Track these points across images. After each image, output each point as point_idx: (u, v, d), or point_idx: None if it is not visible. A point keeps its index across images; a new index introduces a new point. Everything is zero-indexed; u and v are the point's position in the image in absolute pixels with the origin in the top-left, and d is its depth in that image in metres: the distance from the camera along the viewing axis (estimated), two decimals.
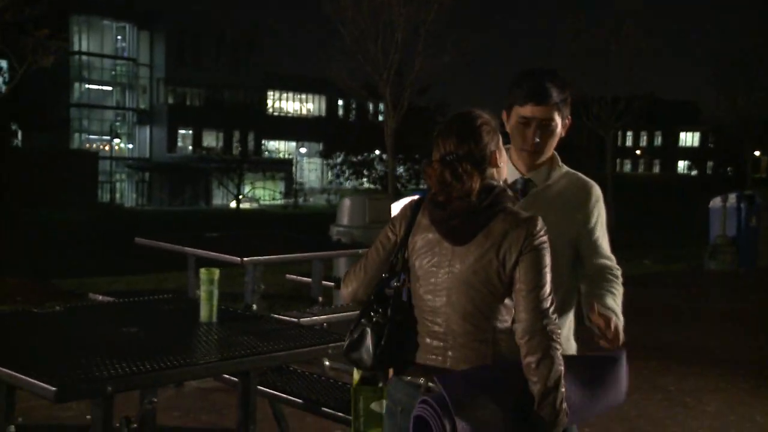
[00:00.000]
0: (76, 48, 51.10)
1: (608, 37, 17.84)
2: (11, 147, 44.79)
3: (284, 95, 60.48)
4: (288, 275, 7.07)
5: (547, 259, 2.18)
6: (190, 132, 55.94)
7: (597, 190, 2.60)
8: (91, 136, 53.60)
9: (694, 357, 7.03)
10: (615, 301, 2.47)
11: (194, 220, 32.33)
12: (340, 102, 58.41)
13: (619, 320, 2.38)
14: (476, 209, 2.18)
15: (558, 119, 2.51)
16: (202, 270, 3.30)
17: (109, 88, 54.01)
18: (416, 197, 2.36)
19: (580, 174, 2.63)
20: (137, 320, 3.31)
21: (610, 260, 2.58)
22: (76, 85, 52.08)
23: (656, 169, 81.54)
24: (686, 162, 79.18)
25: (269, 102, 59.33)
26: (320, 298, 5.92)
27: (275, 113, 59.16)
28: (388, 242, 2.34)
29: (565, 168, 2.62)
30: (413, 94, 14.73)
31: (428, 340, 2.25)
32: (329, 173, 53.06)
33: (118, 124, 54.69)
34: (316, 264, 5.92)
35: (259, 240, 6.38)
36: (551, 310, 2.14)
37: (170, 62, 53.96)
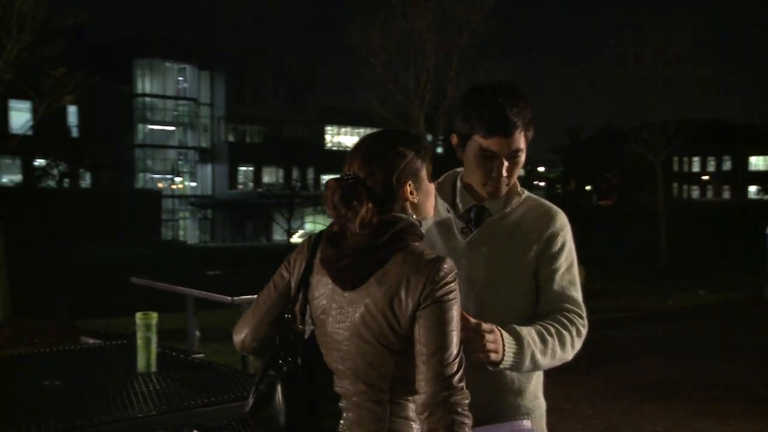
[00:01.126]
0: (139, 90, 52.59)
1: (654, 61, 17.24)
2: (79, 188, 46.27)
3: (342, 129, 60.88)
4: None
5: (454, 313, 1.77)
6: (251, 169, 56.76)
7: (562, 217, 2.22)
8: (155, 175, 54.78)
9: (739, 397, 6.46)
10: (537, 334, 2.05)
11: (250, 255, 32.47)
12: None
13: (510, 340, 1.97)
14: (370, 247, 1.81)
15: (524, 144, 2.16)
16: (138, 315, 3.04)
17: (172, 128, 55.19)
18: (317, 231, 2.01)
19: (543, 200, 2.26)
20: (68, 371, 3.05)
21: (572, 302, 2.16)
22: (140, 126, 53.39)
23: (726, 195, 79.11)
24: (757, 186, 76.57)
25: (327, 137, 59.81)
26: None
27: (333, 147, 59.55)
28: (282, 281, 1.98)
29: (526, 193, 2.25)
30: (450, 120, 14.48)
31: (323, 400, 1.91)
32: None
33: (180, 162, 55.79)
34: None
35: (260, 277, 6.10)
36: (457, 378, 1.74)
37: (230, 101, 54.99)
